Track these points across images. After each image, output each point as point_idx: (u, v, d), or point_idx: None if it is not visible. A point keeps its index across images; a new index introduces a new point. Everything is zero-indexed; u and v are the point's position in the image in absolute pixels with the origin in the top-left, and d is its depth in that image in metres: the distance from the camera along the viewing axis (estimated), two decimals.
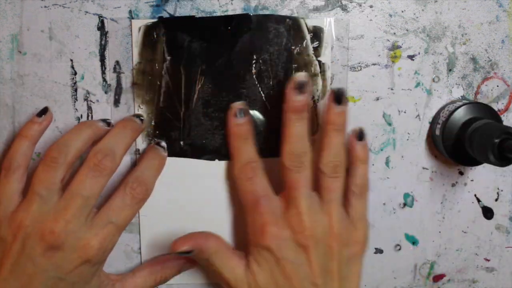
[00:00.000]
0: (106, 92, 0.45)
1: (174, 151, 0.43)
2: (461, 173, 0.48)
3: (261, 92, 0.41)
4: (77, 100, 0.45)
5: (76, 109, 0.46)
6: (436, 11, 0.45)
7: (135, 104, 0.43)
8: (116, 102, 0.45)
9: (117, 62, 0.45)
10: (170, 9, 0.44)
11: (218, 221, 0.44)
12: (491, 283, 0.49)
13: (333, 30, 0.42)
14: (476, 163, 0.44)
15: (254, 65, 0.41)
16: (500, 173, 0.48)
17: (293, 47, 0.41)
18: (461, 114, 0.43)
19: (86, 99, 0.45)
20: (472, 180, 0.48)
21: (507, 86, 0.46)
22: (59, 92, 0.45)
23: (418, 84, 0.46)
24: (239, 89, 0.42)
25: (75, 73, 0.45)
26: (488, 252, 0.49)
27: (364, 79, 0.46)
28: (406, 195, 0.48)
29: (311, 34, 0.41)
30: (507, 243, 0.49)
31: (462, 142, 0.42)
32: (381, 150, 0.47)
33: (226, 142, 0.42)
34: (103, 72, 0.45)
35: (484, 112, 0.43)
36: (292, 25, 0.41)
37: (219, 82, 0.42)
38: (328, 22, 0.41)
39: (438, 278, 0.49)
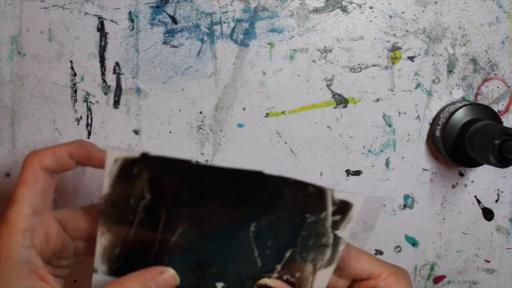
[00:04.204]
0: (105, 94, 0.45)
1: None
2: (461, 174, 0.47)
3: (255, 250, 0.34)
4: (76, 102, 0.45)
5: (76, 111, 0.45)
6: (436, 12, 0.45)
7: (99, 231, 0.34)
8: (116, 103, 0.45)
9: (117, 64, 0.45)
10: (170, 10, 0.44)
11: None
12: (492, 285, 0.49)
13: (358, 208, 0.34)
14: (477, 164, 0.44)
15: (254, 224, 0.34)
16: (501, 174, 0.47)
17: (307, 215, 0.33)
18: (461, 115, 0.43)
19: (85, 101, 0.45)
20: (472, 182, 0.48)
21: (507, 87, 0.46)
22: (58, 94, 0.45)
23: (418, 85, 0.46)
24: (230, 242, 0.35)
25: (75, 74, 0.45)
26: (489, 254, 0.49)
27: (364, 80, 0.46)
28: (406, 197, 0.47)
29: (335, 206, 0.33)
30: (507, 245, 0.49)
31: (462, 143, 0.42)
32: (381, 151, 0.47)
33: None
34: (103, 74, 0.45)
35: (484, 113, 0.43)
36: (314, 194, 0.33)
37: (207, 231, 0.34)
38: (358, 199, 0.33)
39: (438, 279, 0.49)
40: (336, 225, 0.34)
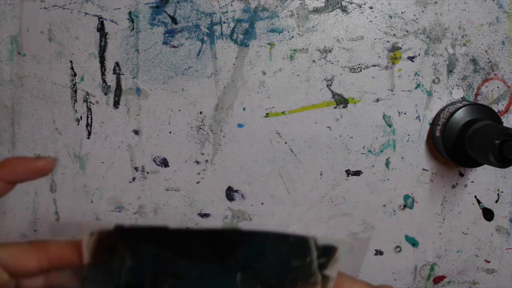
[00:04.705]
0: (105, 94, 0.45)
1: None
2: (461, 175, 0.47)
3: None
4: (76, 102, 0.45)
5: (76, 111, 0.45)
6: (436, 12, 0.45)
7: None
8: (116, 104, 0.45)
9: (117, 64, 0.45)
10: (170, 10, 0.44)
11: None
12: (492, 285, 0.49)
13: (342, 250, 0.35)
14: (477, 164, 0.44)
15: (240, 273, 0.35)
16: (501, 174, 0.47)
17: (292, 261, 0.35)
18: (461, 116, 0.43)
19: (85, 101, 0.45)
20: (472, 182, 0.48)
21: (507, 87, 0.46)
22: (58, 94, 0.45)
23: (418, 86, 0.46)
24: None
25: (75, 75, 0.45)
26: (489, 254, 0.49)
27: (364, 80, 0.46)
28: (407, 197, 0.47)
29: (319, 251, 0.35)
30: (507, 245, 0.49)
31: (462, 143, 0.42)
32: (381, 151, 0.47)
33: None
34: (103, 74, 0.45)
35: (484, 114, 0.43)
36: (296, 243, 0.35)
37: (193, 285, 0.35)
38: (343, 243, 0.35)
39: (438, 279, 0.49)
40: (323, 265, 0.35)
